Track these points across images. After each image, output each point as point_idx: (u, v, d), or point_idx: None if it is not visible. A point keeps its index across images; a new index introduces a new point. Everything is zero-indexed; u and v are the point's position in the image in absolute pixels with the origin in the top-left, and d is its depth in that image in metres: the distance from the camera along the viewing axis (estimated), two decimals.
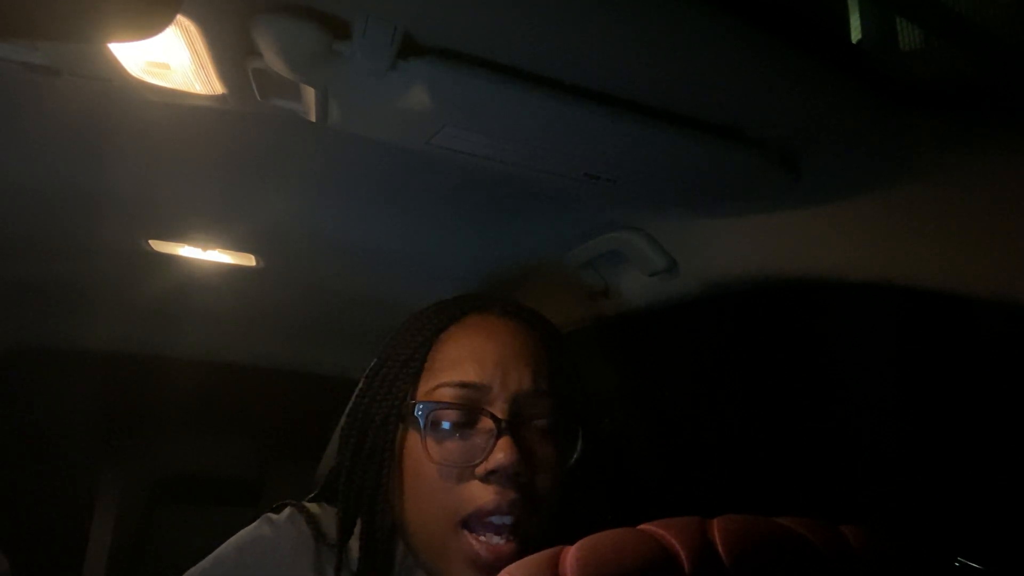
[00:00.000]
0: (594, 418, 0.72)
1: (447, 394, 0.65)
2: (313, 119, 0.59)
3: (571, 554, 0.33)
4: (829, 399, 0.96)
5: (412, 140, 0.61)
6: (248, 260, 1.08)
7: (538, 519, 0.63)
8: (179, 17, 0.46)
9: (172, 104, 0.59)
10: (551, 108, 0.53)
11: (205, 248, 1.03)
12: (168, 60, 0.53)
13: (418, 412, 0.65)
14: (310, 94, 0.55)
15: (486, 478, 0.62)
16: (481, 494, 0.62)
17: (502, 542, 0.61)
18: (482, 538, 0.61)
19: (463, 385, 0.65)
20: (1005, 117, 0.51)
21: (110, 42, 0.49)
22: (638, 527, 0.35)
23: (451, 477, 0.63)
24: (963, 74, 0.54)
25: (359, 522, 0.68)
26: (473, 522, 0.62)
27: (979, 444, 0.78)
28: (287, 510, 0.71)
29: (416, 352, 0.70)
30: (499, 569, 0.60)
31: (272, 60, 0.49)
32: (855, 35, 0.57)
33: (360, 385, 0.74)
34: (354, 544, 0.67)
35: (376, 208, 0.89)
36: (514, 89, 0.51)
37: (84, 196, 0.88)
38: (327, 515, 0.71)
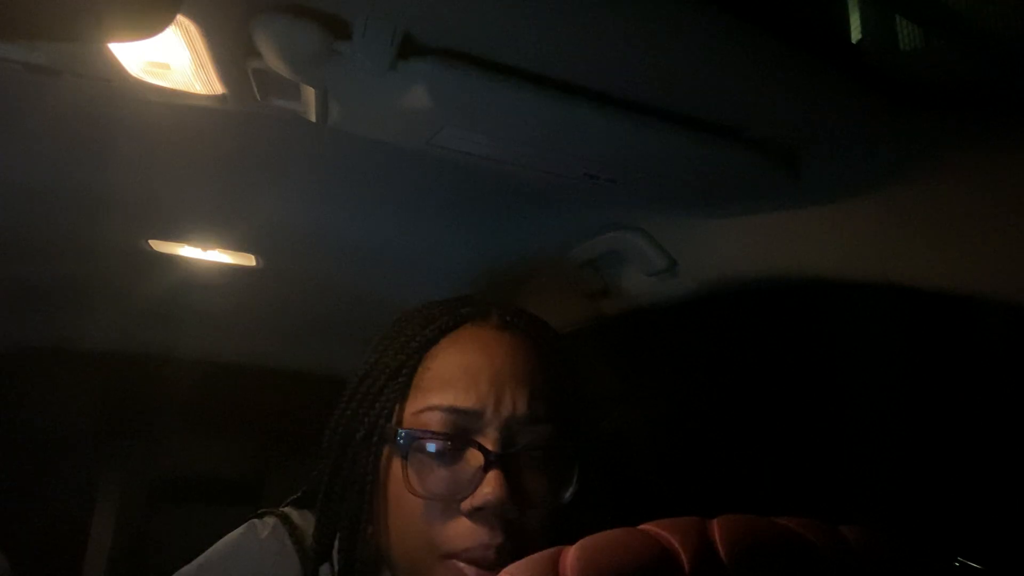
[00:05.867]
0: (595, 442, 0.67)
1: (435, 419, 0.60)
2: (313, 119, 0.59)
3: (571, 554, 0.33)
4: (829, 399, 0.96)
5: (412, 140, 0.61)
6: (248, 260, 1.08)
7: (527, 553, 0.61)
8: (179, 17, 0.46)
9: (172, 104, 0.59)
10: (551, 108, 0.53)
11: (205, 248, 1.03)
12: (168, 60, 0.53)
13: (400, 439, 0.60)
14: (310, 94, 0.55)
15: (472, 514, 0.58)
16: (466, 533, 0.57)
17: (492, 558, 0.57)
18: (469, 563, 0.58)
19: (452, 410, 0.60)
20: (1005, 117, 0.51)
21: (110, 42, 0.49)
22: (638, 527, 0.35)
23: (435, 510, 0.59)
24: (963, 74, 0.54)
25: (337, 540, 0.64)
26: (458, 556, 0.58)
27: (979, 444, 0.78)
28: (272, 522, 0.69)
29: (403, 366, 0.64)
30: None
31: (272, 60, 0.49)
32: (855, 35, 0.57)
33: (345, 392, 0.69)
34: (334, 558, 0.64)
35: (376, 208, 0.89)
36: (514, 89, 0.51)
37: (84, 196, 0.88)
38: (310, 526, 0.67)
